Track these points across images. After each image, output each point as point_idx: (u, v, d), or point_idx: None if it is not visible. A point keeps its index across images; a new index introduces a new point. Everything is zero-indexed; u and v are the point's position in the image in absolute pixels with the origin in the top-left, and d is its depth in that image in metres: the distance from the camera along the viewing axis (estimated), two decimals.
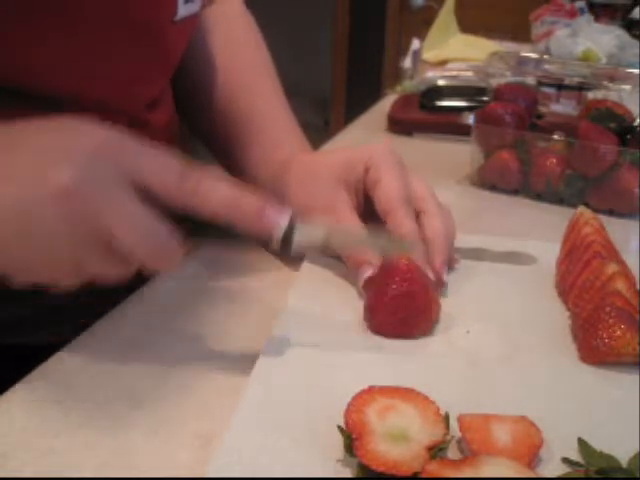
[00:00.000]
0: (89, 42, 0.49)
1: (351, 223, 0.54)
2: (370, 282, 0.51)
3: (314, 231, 0.45)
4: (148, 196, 0.40)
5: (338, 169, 0.57)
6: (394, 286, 0.48)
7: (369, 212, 0.55)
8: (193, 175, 0.40)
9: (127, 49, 0.52)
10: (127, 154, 0.40)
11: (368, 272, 0.51)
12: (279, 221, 0.41)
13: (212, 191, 0.40)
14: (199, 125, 0.69)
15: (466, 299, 0.53)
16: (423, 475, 0.34)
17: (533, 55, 0.93)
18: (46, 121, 0.42)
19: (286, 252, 0.42)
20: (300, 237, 0.43)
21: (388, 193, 0.53)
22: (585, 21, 1.31)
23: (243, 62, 0.69)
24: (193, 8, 0.57)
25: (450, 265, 0.57)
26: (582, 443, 0.38)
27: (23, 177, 0.39)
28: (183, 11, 0.55)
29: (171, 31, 0.55)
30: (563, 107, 0.79)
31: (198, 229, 0.42)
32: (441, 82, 1.13)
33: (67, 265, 0.40)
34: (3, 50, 0.47)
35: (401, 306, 0.47)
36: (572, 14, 1.38)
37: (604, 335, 0.45)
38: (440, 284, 0.53)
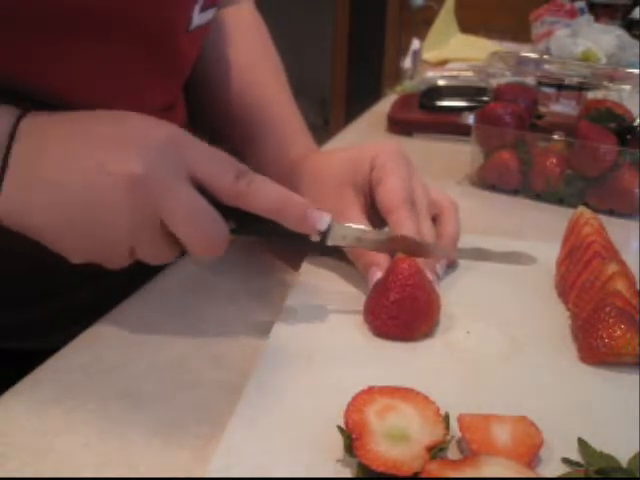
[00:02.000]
0: (102, 51, 0.49)
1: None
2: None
3: (348, 231, 0.50)
4: (203, 189, 0.44)
5: (344, 170, 0.56)
6: (396, 290, 0.47)
7: (377, 211, 0.55)
8: (246, 175, 0.44)
9: (140, 58, 0.52)
10: (189, 150, 0.44)
11: (378, 274, 0.50)
12: (320, 222, 0.47)
13: (262, 191, 0.44)
14: (207, 122, 0.69)
15: (466, 299, 0.53)
16: (423, 475, 0.34)
17: (533, 55, 0.93)
18: (108, 112, 0.45)
19: (323, 245, 0.48)
20: (336, 234, 0.48)
21: (390, 193, 0.53)
22: (585, 21, 1.31)
23: (253, 61, 0.68)
24: (207, 17, 0.57)
25: (450, 265, 0.57)
26: (582, 443, 0.38)
27: (89, 165, 0.42)
28: (197, 20, 0.55)
29: (184, 40, 0.54)
30: (563, 107, 0.79)
31: (239, 227, 0.46)
32: (441, 82, 1.13)
33: (123, 247, 0.43)
34: (15, 60, 0.46)
35: (403, 310, 0.47)
36: (572, 14, 1.38)
37: (604, 335, 0.45)
38: None
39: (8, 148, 0.42)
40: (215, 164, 0.44)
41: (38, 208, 0.42)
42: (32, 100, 0.46)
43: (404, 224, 0.52)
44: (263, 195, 0.44)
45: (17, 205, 0.43)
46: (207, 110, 0.68)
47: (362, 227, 0.51)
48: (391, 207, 0.53)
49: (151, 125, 0.45)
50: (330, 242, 0.49)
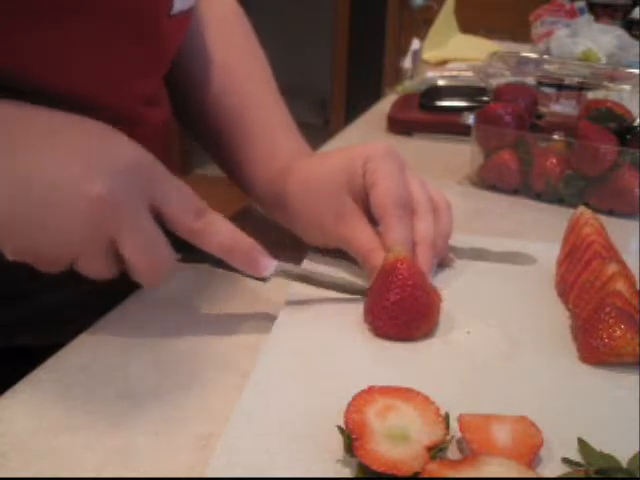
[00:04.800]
0: (83, 35, 0.48)
1: (364, 231, 0.54)
2: (371, 284, 0.50)
3: (292, 269, 0.51)
4: (159, 218, 0.44)
5: (339, 176, 0.56)
6: (396, 290, 0.47)
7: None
8: (205, 214, 0.46)
9: (121, 43, 0.51)
10: (155, 178, 0.45)
11: None
12: (268, 267, 0.49)
13: (217, 233, 0.46)
14: (192, 122, 0.67)
15: (466, 299, 0.53)
16: (423, 475, 0.34)
17: (533, 55, 0.93)
18: (72, 117, 0.45)
19: (264, 281, 0.50)
20: (279, 272, 0.50)
21: (381, 197, 0.53)
22: (585, 21, 1.31)
23: (234, 58, 0.66)
24: (189, 2, 0.56)
25: (445, 264, 0.57)
26: (582, 443, 0.38)
27: (58, 171, 0.42)
28: (179, 5, 0.54)
29: (166, 25, 0.54)
30: (563, 107, 0.79)
31: (186, 256, 0.47)
32: (441, 82, 1.14)
33: (66, 256, 0.43)
34: None
35: (403, 311, 0.47)
36: (572, 14, 1.38)
37: (604, 335, 0.45)
38: None
39: None
40: (178, 199, 0.45)
41: None
42: (10, 89, 0.45)
43: (394, 229, 0.52)
44: (216, 235, 0.46)
45: None
46: (189, 109, 0.66)
47: (306, 268, 0.53)
48: (382, 213, 0.53)
49: (120, 145, 0.45)
50: (272, 278, 0.50)
